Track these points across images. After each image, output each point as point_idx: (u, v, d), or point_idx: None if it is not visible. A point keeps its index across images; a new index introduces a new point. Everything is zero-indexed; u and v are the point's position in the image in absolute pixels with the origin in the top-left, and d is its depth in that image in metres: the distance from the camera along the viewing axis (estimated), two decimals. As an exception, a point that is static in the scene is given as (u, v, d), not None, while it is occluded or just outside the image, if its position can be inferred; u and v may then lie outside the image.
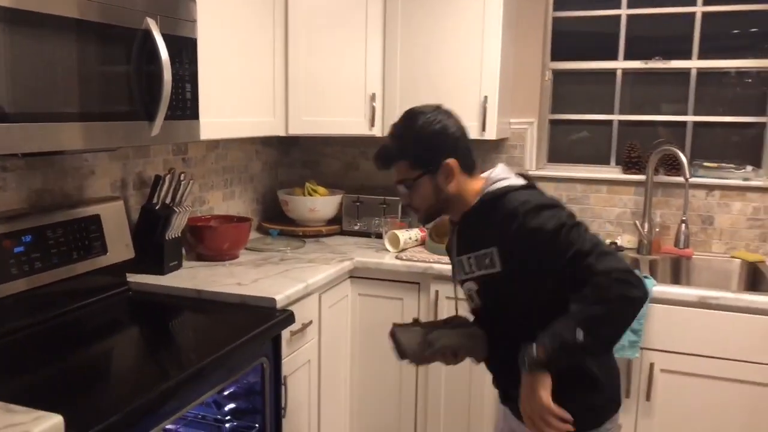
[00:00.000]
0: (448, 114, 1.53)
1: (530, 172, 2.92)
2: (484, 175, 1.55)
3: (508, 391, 1.58)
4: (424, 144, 1.50)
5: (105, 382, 1.51)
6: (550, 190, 2.88)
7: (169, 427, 1.92)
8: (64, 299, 1.87)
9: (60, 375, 1.50)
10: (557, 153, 3.01)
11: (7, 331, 1.67)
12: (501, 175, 1.51)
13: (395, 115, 2.66)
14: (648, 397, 2.22)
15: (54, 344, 1.68)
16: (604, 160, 2.93)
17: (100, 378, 1.53)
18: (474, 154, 1.55)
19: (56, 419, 1.18)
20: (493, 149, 2.97)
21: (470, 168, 1.53)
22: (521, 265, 1.42)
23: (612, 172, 2.88)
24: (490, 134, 2.62)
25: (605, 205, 2.85)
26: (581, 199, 2.88)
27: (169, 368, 1.59)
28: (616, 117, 2.90)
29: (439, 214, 1.59)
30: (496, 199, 1.45)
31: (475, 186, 1.52)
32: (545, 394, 1.36)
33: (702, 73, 2.76)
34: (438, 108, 1.53)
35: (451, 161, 1.48)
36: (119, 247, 2.06)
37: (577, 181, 2.88)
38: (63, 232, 1.86)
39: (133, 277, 2.14)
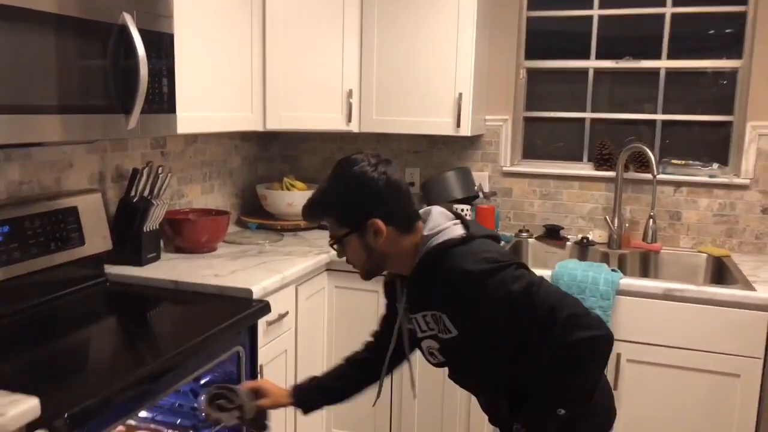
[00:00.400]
0: (384, 165, 1.38)
1: (505, 168, 2.99)
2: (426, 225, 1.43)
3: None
4: (348, 202, 1.39)
5: (82, 369, 1.54)
6: (524, 186, 2.96)
7: (146, 415, 1.97)
8: (42, 289, 1.89)
9: (37, 362, 1.53)
10: (531, 149, 3.07)
11: (-15, 320, 1.70)
12: (438, 227, 1.40)
13: (372, 111, 2.77)
14: (615, 387, 2.29)
15: (32, 333, 1.71)
16: (576, 157, 3.00)
17: (77, 365, 1.56)
18: (413, 208, 1.42)
19: (32, 402, 1.22)
20: (468, 145, 3.03)
21: (405, 225, 1.40)
22: (478, 330, 1.36)
23: (584, 168, 2.95)
24: (465, 131, 2.67)
25: (577, 200, 2.92)
26: (554, 194, 2.95)
27: (145, 355, 1.63)
28: (588, 115, 2.97)
29: (380, 271, 1.48)
30: (435, 258, 1.37)
31: (413, 241, 1.41)
32: None
33: (671, 73, 2.84)
34: (373, 159, 1.39)
35: (377, 221, 1.36)
36: (97, 238, 2.09)
37: (551, 177, 2.95)
38: (41, 223, 1.88)
39: (111, 269, 2.17)
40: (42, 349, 1.61)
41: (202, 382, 1.97)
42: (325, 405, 1.68)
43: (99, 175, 2.25)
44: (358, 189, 1.37)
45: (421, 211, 1.46)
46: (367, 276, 1.50)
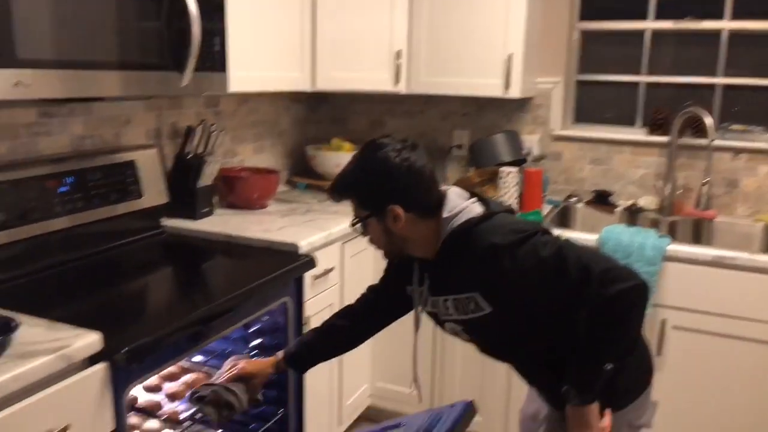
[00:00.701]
0: (408, 151, 1.38)
1: (555, 132, 2.95)
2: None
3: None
4: (369, 186, 1.41)
5: (140, 311, 1.65)
6: (574, 150, 2.92)
7: (200, 359, 2.08)
8: (104, 238, 2.01)
9: (100, 302, 1.64)
10: (583, 113, 3.02)
11: (53, 264, 1.82)
12: (456, 208, 1.40)
13: (420, 72, 2.77)
14: (659, 352, 2.28)
15: (95, 277, 1.82)
16: (629, 122, 2.94)
17: (136, 307, 1.67)
18: (436, 194, 1.42)
19: (95, 336, 1.31)
20: (518, 108, 3.00)
21: (425, 211, 1.40)
22: (513, 302, 1.36)
23: (637, 133, 2.89)
24: (514, 93, 2.65)
25: (629, 166, 2.87)
26: (605, 159, 2.90)
27: (198, 301, 1.71)
28: (643, 78, 2.89)
29: (401, 253, 1.48)
30: (461, 238, 1.37)
31: (434, 225, 1.41)
32: (595, 419, 1.35)
33: (734, 35, 2.73)
34: (398, 144, 1.40)
35: (396, 207, 1.37)
36: (154, 192, 2.19)
37: (602, 141, 2.90)
38: (102, 175, 1.99)
39: (168, 222, 2.27)
40: (104, 291, 1.72)
41: (251, 330, 2.06)
42: (319, 363, 1.72)
43: (155, 132, 2.35)
44: (379, 175, 1.38)
45: None
46: (389, 257, 1.52)
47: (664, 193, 2.72)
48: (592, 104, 3.01)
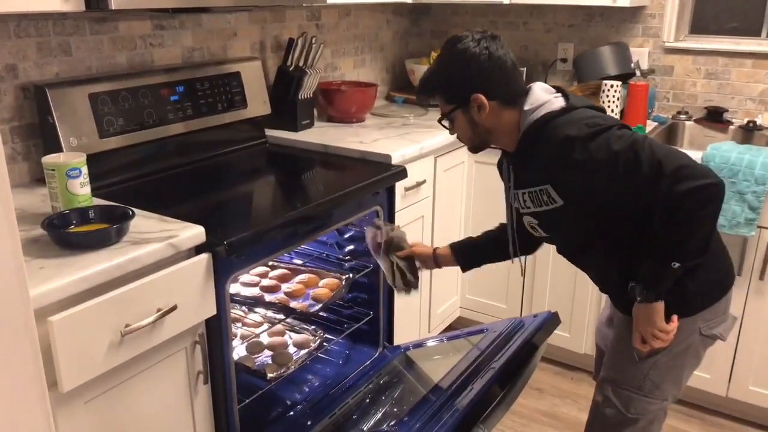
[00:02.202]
0: (488, 41, 1.41)
1: (668, 44, 2.77)
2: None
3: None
4: (452, 78, 1.44)
5: (242, 210, 1.80)
6: (687, 64, 2.75)
7: (299, 261, 2.24)
8: (212, 145, 2.16)
9: (207, 202, 1.79)
10: (701, 24, 2.80)
11: (167, 167, 1.99)
12: (537, 101, 1.41)
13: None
14: (762, 277, 2.19)
15: (203, 181, 1.99)
16: (754, 32, 2.70)
17: (239, 207, 1.82)
18: (519, 83, 1.44)
19: (199, 229, 1.46)
20: (629, 18, 2.83)
21: (509, 100, 1.43)
22: (585, 195, 1.36)
23: (762, 44, 2.65)
24: (624, 0, 2.50)
25: (749, 80, 2.66)
26: (721, 73, 2.70)
27: (296, 202, 1.82)
28: (774, -18, 2.63)
29: (486, 146, 1.53)
30: (537, 131, 1.39)
31: (517, 116, 1.43)
32: (659, 319, 1.36)
33: None
34: (477, 35, 1.42)
35: (480, 96, 1.41)
36: (258, 103, 2.30)
37: (720, 54, 2.69)
38: (209, 85, 2.12)
39: (270, 132, 2.40)
40: (212, 193, 1.88)
41: (346, 236, 2.18)
42: (483, 263, 1.81)
43: (260, 45, 2.44)
44: (460, 65, 1.42)
45: None
46: (474, 150, 1.56)
47: (787, 110, 2.51)
48: (712, 12, 2.78)
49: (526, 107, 1.42)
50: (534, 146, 1.40)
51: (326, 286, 2.08)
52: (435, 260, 1.82)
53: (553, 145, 1.35)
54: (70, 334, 1.18)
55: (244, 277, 2.08)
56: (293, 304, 2.02)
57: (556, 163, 1.36)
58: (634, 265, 1.38)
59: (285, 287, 2.08)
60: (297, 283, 2.10)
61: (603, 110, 1.45)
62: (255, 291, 2.07)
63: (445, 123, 1.52)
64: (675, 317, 1.39)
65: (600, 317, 1.76)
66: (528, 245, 1.68)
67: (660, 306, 1.36)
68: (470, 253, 1.80)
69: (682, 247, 1.30)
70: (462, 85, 1.43)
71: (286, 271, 2.17)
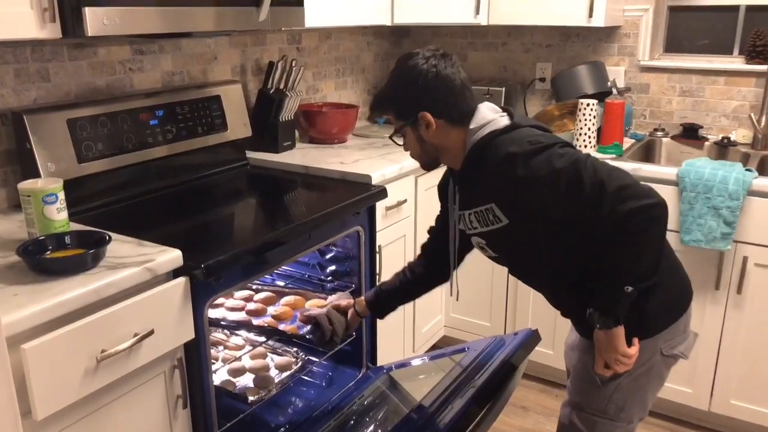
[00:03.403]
0: (437, 59, 1.41)
1: (643, 63, 2.82)
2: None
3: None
4: (401, 95, 1.45)
5: (221, 232, 1.80)
6: (662, 82, 2.80)
7: (280, 283, 2.24)
8: (192, 168, 2.17)
9: (187, 226, 1.80)
10: (674, 43, 2.86)
11: (146, 191, 2.00)
12: (483, 120, 1.42)
13: (501, 2, 2.70)
14: (739, 290, 2.21)
15: (182, 203, 1.99)
16: (726, 50, 2.76)
17: (217, 229, 1.82)
18: (466, 103, 1.44)
19: (176, 253, 1.46)
20: (604, 38, 2.88)
21: (457, 119, 1.43)
22: (528, 214, 1.36)
23: (733, 62, 2.71)
24: (598, 21, 2.55)
25: (722, 97, 2.71)
26: (696, 91, 2.76)
27: (275, 223, 1.83)
28: (743, 1, 2.69)
29: (437, 163, 1.53)
30: (481, 149, 1.39)
31: (463, 135, 1.44)
32: (621, 344, 1.36)
33: None
34: (428, 53, 1.43)
35: (426, 114, 1.41)
36: (238, 125, 2.32)
37: (694, 72, 2.75)
38: (189, 109, 2.13)
39: (251, 154, 2.41)
40: (191, 216, 1.88)
41: (328, 256, 2.18)
42: (398, 307, 1.82)
43: (240, 68, 2.46)
44: (409, 82, 1.42)
45: None
46: (426, 167, 1.57)
47: (759, 125, 2.56)
48: (685, 32, 2.84)
49: (472, 126, 1.43)
50: (478, 164, 1.40)
51: (315, 306, 2.07)
52: (357, 314, 1.82)
53: (496, 162, 1.35)
54: (44, 361, 1.18)
55: (230, 302, 2.07)
56: (282, 327, 2.02)
57: (499, 181, 1.36)
58: (586, 290, 1.38)
59: (271, 310, 2.08)
60: (283, 305, 2.10)
61: (548, 129, 1.47)
62: (241, 315, 2.06)
63: (397, 139, 1.53)
64: (636, 340, 1.39)
65: (566, 340, 1.74)
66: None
67: (620, 331, 1.36)
68: (384, 301, 1.80)
69: (632, 270, 1.30)
70: (410, 102, 1.44)
71: (270, 293, 2.17)
